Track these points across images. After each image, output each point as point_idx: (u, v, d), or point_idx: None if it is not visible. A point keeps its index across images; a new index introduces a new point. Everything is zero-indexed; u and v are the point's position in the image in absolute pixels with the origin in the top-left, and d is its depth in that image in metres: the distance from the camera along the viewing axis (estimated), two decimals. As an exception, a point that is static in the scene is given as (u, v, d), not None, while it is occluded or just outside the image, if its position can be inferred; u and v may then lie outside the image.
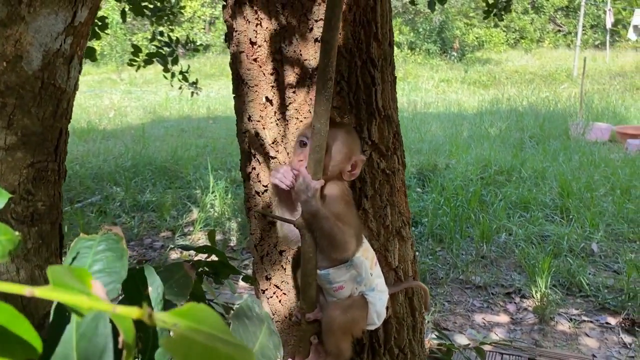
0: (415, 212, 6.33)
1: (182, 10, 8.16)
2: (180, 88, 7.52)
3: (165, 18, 7.56)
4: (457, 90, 16.77)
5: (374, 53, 1.32)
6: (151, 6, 7.06)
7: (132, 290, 0.84)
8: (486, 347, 3.75)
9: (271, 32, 1.33)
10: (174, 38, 7.25)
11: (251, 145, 1.43)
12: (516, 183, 6.95)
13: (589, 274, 4.86)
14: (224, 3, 1.43)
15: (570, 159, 7.94)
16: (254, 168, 1.44)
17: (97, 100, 15.17)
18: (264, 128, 1.40)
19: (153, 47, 7.21)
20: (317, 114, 1.10)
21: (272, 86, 1.36)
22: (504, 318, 4.39)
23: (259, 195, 1.43)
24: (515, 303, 4.62)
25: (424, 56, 21.62)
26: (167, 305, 0.97)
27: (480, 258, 5.34)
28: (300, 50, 1.30)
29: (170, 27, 8.19)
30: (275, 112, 1.37)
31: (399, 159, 1.40)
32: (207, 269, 2.34)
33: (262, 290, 1.52)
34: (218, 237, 5.40)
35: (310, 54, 1.29)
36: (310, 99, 1.34)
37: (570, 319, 4.25)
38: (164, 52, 7.02)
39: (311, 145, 1.12)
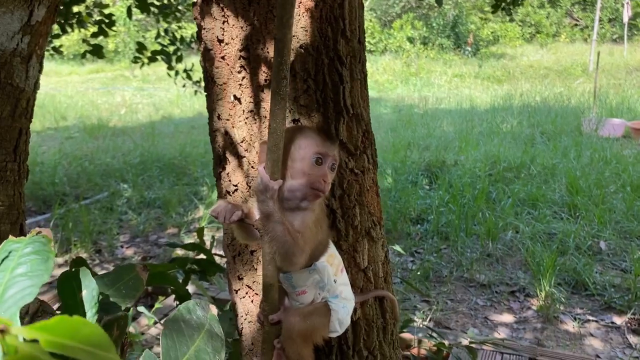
0: (422, 209, 6.28)
1: (189, 8, 8.17)
2: (184, 86, 7.54)
3: (173, 15, 7.58)
4: (470, 86, 16.62)
5: (342, 50, 1.29)
6: (158, 3, 7.08)
7: (68, 293, 0.83)
8: (487, 347, 3.71)
9: (238, 29, 1.31)
10: (179, 36, 7.26)
11: (221, 145, 1.42)
12: (525, 180, 6.86)
13: (596, 272, 4.79)
14: (194, 0, 1.41)
15: (581, 155, 7.82)
16: (224, 168, 1.42)
17: (109, 97, 15.29)
18: (233, 127, 1.38)
19: (159, 44, 7.24)
20: (273, 114, 1.08)
21: (240, 84, 1.34)
22: (507, 317, 4.33)
23: (230, 195, 1.42)
24: (519, 302, 4.56)
25: (437, 51, 21.45)
26: (110, 308, 0.97)
27: (485, 256, 5.28)
28: (268, 49, 1.28)
29: (178, 24, 8.21)
30: (244, 111, 1.35)
31: (369, 158, 1.37)
32: (195, 267, 2.34)
33: (235, 290, 1.51)
34: (219, 234, 5.40)
35: (278, 52, 1.27)
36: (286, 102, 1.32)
37: (575, 318, 4.19)
38: (168, 50, 7.04)
39: (268, 145, 1.10)
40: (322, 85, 1.30)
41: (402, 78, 17.76)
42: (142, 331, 4.02)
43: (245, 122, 1.36)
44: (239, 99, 1.35)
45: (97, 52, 7.22)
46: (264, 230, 1.09)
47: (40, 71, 1.18)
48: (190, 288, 4.46)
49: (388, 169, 7.60)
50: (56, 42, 7.43)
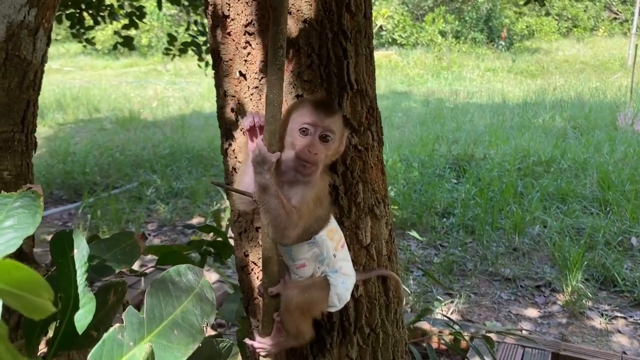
0: (448, 203, 6.21)
1: None
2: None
3: (202, 7, 7.66)
4: (502, 80, 16.33)
5: (347, 25, 1.28)
6: (187, -5, 7.17)
7: (59, 252, 0.84)
8: (508, 340, 3.65)
9: (243, 5, 1.31)
10: (209, 27, 7.33)
11: (227, 122, 1.42)
12: (555, 174, 6.71)
13: (626, 268, 4.65)
14: (203, -22, 1.42)
15: (615, 150, 7.60)
16: (230, 144, 1.43)
17: (141, 90, 15.57)
18: (238, 103, 1.39)
19: (189, 36, 7.33)
20: (270, 84, 1.08)
21: (246, 60, 1.34)
22: (531, 311, 4.26)
23: (236, 172, 1.42)
24: (544, 296, 4.47)
25: (470, 45, 21.13)
26: (105, 271, 0.98)
27: (511, 250, 5.20)
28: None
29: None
30: (249, 87, 1.36)
31: (374, 135, 1.36)
32: (210, 249, 2.37)
33: (241, 267, 1.52)
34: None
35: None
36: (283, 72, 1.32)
37: (602, 315, 4.09)
38: (198, 42, 7.12)
39: (265, 117, 1.10)
40: (326, 60, 1.29)
41: (433, 72, 17.57)
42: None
43: (251, 99, 1.36)
44: (244, 75, 1.36)
45: (128, 43, 7.35)
46: (259, 202, 1.09)
47: (48, 44, 1.20)
48: (214, 276, 4.51)
49: (415, 162, 7.54)
50: (89, 34, 7.58)
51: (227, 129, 1.43)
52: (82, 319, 0.81)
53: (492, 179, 6.50)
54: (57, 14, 5.74)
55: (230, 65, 1.38)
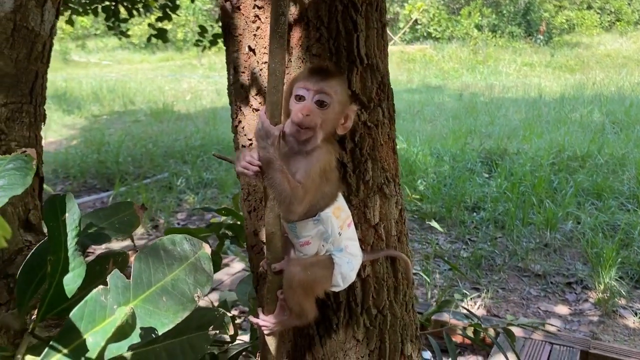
0: (479, 197, 6.10)
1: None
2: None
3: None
4: (540, 75, 15.94)
5: (357, -3, 1.25)
6: (219, -13, 7.20)
7: (51, 215, 0.84)
8: (536, 337, 3.56)
9: (253, -22, 1.29)
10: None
11: (237, 98, 1.41)
12: (590, 169, 6.50)
13: (663, 267, 4.48)
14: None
15: (656, 145, 7.32)
16: (240, 121, 1.42)
17: (175, 84, 15.78)
18: (248, 79, 1.37)
19: (220, 27, 7.36)
20: (272, 53, 1.06)
21: (255, 35, 1.32)
22: (561, 308, 4.14)
23: (245, 149, 1.41)
24: (575, 293, 4.34)
25: (507, 39, 20.68)
26: (100, 239, 0.98)
27: (542, 246, 5.06)
28: (282, -3, 1.25)
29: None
30: (258, 62, 1.34)
31: (385, 112, 1.32)
32: (228, 232, 2.36)
33: (250, 246, 1.50)
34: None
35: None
36: (292, 46, 1.29)
37: (636, 313, 3.94)
38: (229, 33, 7.14)
39: (267, 87, 1.07)
40: (335, 33, 1.26)
41: (469, 66, 17.27)
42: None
43: (260, 74, 1.34)
44: (253, 50, 1.34)
45: (162, 36, 7.44)
46: (265, 177, 1.07)
47: (57, 17, 1.21)
48: (240, 265, 4.54)
49: (446, 156, 7.42)
50: (124, 27, 7.71)
51: (237, 106, 1.42)
52: (72, 282, 0.80)
53: (524, 174, 6.34)
54: (93, 6, 5.81)
55: (240, 41, 1.36)
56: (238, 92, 1.40)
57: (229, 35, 1.39)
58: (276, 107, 1.07)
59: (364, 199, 1.29)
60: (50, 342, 0.68)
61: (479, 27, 21.14)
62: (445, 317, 2.94)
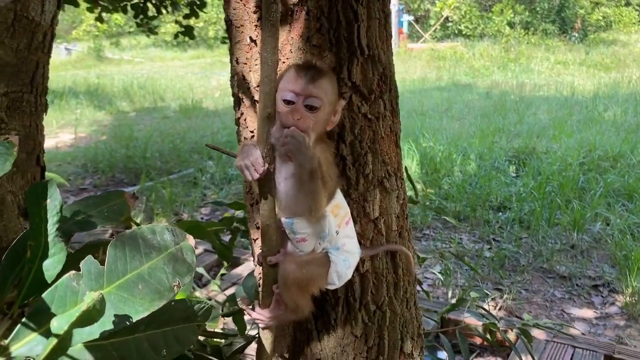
0: (505, 197, 5.99)
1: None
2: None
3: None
4: (573, 73, 15.54)
5: (358, -13, 1.22)
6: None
7: (33, 201, 0.84)
8: (558, 340, 3.47)
9: (254, -32, 1.28)
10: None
11: (239, 90, 1.40)
12: (622, 170, 6.31)
13: (696, 271, 4.32)
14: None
15: (693, 145, 7.07)
16: (242, 113, 1.41)
17: (205, 81, 15.94)
18: (249, 71, 1.36)
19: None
20: (264, 42, 1.04)
21: (256, 25, 1.31)
22: (586, 312, 4.03)
23: (250, 143, 1.40)
24: (602, 296, 4.22)
25: (540, 36, 20.24)
26: (86, 226, 0.98)
27: (568, 247, 4.94)
28: (283, -13, 1.24)
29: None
30: (259, 53, 1.32)
31: (386, 104, 1.29)
32: (240, 226, 2.36)
33: (253, 239, 1.50)
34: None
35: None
36: (292, 37, 1.28)
37: (665, 318, 3.81)
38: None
39: (260, 77, 1.06)
40: (336, 23, 1.23)
41: (500, 64, 16.97)
42: (209, 297, 4.15)
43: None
44: (254, 41, 1.33)
45: (189, 33, 7.52)
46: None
47: (59, 8, 1.22)
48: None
49: (473, 154, 7.31)
50: (152, 24, 7.81)
51: (239, 98, 1.41)
52: (51, 268, 0.80)
53: (552, 173, 6.20)
54: (122, 4, 5.91)
55: (242, 32, 1.35)
56: (240, 84, 1.39)
57: (232, 27, 1.39)
58: (269, 97, 1.06)
59: (363, 192, 1.27)
60: (20, 323, 0.68)
61: (511, 25, 20.75)
62: (463, 316, 2.88)
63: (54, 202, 0.83)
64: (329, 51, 1.25)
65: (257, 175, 1.06)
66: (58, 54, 23.27)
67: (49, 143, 8.89)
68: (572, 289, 4.32)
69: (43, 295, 0.71)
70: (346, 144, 1.26)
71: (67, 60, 22.35)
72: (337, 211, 1.18)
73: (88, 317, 0.64)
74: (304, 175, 1.05)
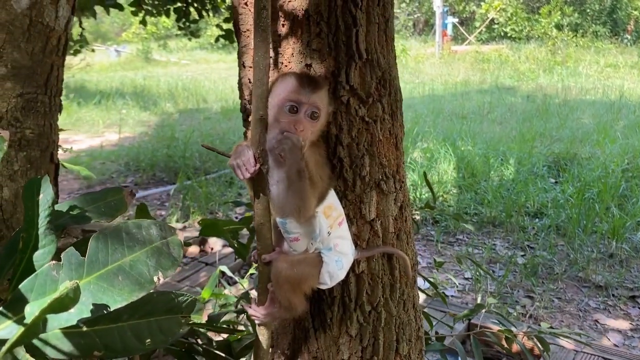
0: (542, 203, 5.85)
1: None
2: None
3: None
4: (624, 77, 14.99)
5: (357, -8, 1.24)
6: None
7: (28, 196, 0.90)
8: (588, 350, 3.38)
9: (259, -26, 1.31)
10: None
11: (245, 92, 1.44)
12: (668, 177, 6.07)
13: None
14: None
15: None
16: (248, 116, 1.45)
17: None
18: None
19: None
20: (256, 46, 1.08)
21: (261, 31, 1.35)
22: (622, 323, 3.90)
23: (244, 144, 1.43)
24: (639, 308, 4.08)
25: (590, 39, 19.61)
26: (82, 220, 1.03)
27: (606, 256, 4.79)
28: (286, -6, 1.27)
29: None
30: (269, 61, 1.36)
31: (385, 107, 1.30)
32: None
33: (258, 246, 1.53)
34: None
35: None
36: (293, 42, 1.31)
37: None
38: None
39: (253, 80, 1.10)
40: (335, 28, 1.26)
41: (546, 67, 16.55)
42: (237, 295, 4.22)
43: (265, 69, 1.36)
44: (259, 45, 1.36)
45: (229, 36, 7.66)
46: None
47: (72, 13, 1.29)
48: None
49: (511, 158, 7.17)
50: (194, 27, 8.01)
51: (246, 100, 1.45)
52: (41, 258, 0.86)
53: (592, 180, 6.01)
54: (165, 8, 6.08)
55: (248, 36, 1.39)
56: (246, 87, 1.43)
57: (239, 32, 1.43)
58: (261, 99, 1.09)
59: (360, 194, 1.29)
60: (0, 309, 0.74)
61: (559, 27, 20.19)
62: (479, 321, 2.85)
63: (46, 197, 0.88)
64: (328, 55, 1.27)
65: (247, 175, 1.10)
66: (108, 55, 24.10)
67: (94, 142, 9.24)
68: (607, 299, 4.18)
69: (21, 284, 0.76)
70: (343, 146, 1.28)
71: (117, 62, 23.09)
72: (330, 212, 1.20)
73: (60, 305, 0.69)
74: (293, 175, 1.08)
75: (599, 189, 5.76)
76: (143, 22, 7.43)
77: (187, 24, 7.65)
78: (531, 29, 20.68)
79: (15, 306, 0.75)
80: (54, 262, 0.78)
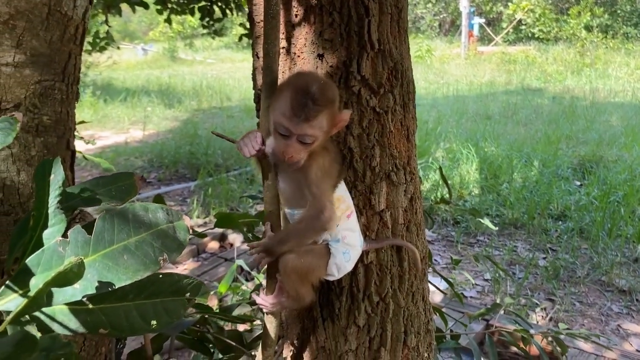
0: (566, 205, 5.76)
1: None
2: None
3: None
4: (656, 79, 14.67)
5: (370, -18, 1.24)
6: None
7: (40, 176, 0.93)
8: (609, 355, 3.32)
9: (273, -35, 1.32)
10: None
11: (259, 84, 1.45)
12: (697, 181, 5.92)
13: None
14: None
15: None
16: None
17: (271, 81, 16.22)
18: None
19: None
20: (266, 35, 1.09)
21: (275, 21, 1.36)
22: (645, 328, 3.82)
23: (254, 130, 1.45)
24: (664, 314, 3.99)
25: (620, 40, 19.21)
26: (91, 202, 1.05)
27: (631, 261, 4.69)
28: (300, -16, 1.28)
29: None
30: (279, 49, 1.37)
31: (396, 99, 1.29)
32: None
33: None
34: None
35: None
36: (305, 31, 1.31)
37: None
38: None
39: (263, 68, 1.11)
40: (347, 18, 1.26)
41: (574, 68, 16.27)
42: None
43: (279, 62, 1.37)
44: (272, 36, 1.37)
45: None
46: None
47: (90, 3, 1.31)
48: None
49: (536, 160, 7.07)
50: (218, 26, 8.07)
51: (259, 91, 1.46)
52: (51, 236, 0.88)
53: (618, 183, 5.90)
54: (190, 6, 6.16)
55: (261, 27, 1.40)
56: (259, 77, 1.45)
57: (253, 22, 1.44)
58: (270, 88, 1.10)
59: (369, 185, 1.29)
60: (6, 283, 0.76)
61: (588, 28, 19.83)
62: (495, 321, 2.81)
63: (57, 178, 0.90)
64: (340, 45, 1.27)
65: (253, 152, 1.11)
66: (135, 54, 24.47)
67: (119, 138, 9.38)
68: (631, 304, 4.10)
69: (28, 258, 0.78)
70: (354, 136, 1.28)
71: (143, 60, 23.43)
72: (338, 204, 1.21)
73: (64, 278, 0.71)
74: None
75: (624, 192, 5.65)
76: (168, 21, 7.52)
77: (211, 22, 7.71)
78: (559, 30, 20.35)
79: (21, 280, 0.77)
80: (61, 238, 0.80)
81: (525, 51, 18.91)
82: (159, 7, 7.17)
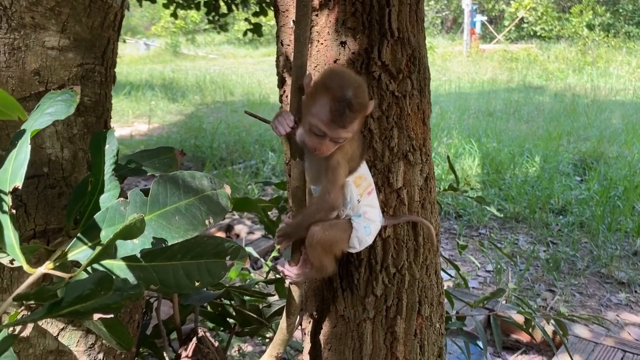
0: (567, 200, 5.86)
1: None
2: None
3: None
4: (657, 78, 14.75)
5: (391, -26, 1.33)
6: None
7: (95, 145, 1.02)
8: (607, 342, 3.42)
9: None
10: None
11: (284, 69, 1.54)
12: (696, 177, 6.01)
13: None
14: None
15: None
16: (285, 90, 1.55)
17: (273, 77, 16.18)
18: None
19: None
20: (298, 21, 1.17)
21: (299, 10, 1.44)
22: (643, 319, 3.92)
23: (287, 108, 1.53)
24: (662, 305, 4.09)
25: (622, 39, 19.29)
26: (138, 173, 1.15)
27: (630, 254, 4.79)
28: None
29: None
30: (294, 31, 1.46)
31: (414, 84, 1.39)
32: (287, 205, 2.52)
33: (291, 208, 1.63)
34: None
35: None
36: (330, 20, 1.40)
37: None
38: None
39: (294, 52, 1.19)
40: (369, 8, 1.35)
41: (575, 67, 16.35)
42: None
43: (302, 47, 1.46)
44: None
45: (257, 30, 7.79)
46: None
47: (128, -8, 1.40)
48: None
49: (537, 156, 7.16)
50: (223, 21, 8.15)
51: (283, 77, 1.55)
52: (107, 200, 0.97)
53: (618, 179, 5.99)
54: (196, 1, 6.23)
55: (287, 16, 1.49)
56: (285, 64, 1.54)
57: (278, 12, 1.53)
58: (300, 69, 1.19)
59: (388, 164, 1.38)
60: (77, 236, 0.85)
61: (590, 27, 19.91)
62: (499, 307, 2.91)
63: (111, 147, 1.00)
64: (362, 33, 1.36)
65: (288, 129, 1.20)
66: (137, 48, 24.52)
67: (124, 131, 9.47)
68: (630, 296, 4.20)
69: (96, 215, 0.87)
70: (374, 118, 1.37)
71: (146, 55, 23.49)
72: (360, 182, 1.30)
73: (129, 232, 0.80)
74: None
75: (624, 187, 5.74)
76: (174, 15, 7.60)
77: (217, 17, 7.79)
78: (561, 29, 20.43)
79: (90, 234, 0.86)
80: (122, 199, 0.90)
81: (527, 49, 18.99)
82: (165, 1, 7.25)
